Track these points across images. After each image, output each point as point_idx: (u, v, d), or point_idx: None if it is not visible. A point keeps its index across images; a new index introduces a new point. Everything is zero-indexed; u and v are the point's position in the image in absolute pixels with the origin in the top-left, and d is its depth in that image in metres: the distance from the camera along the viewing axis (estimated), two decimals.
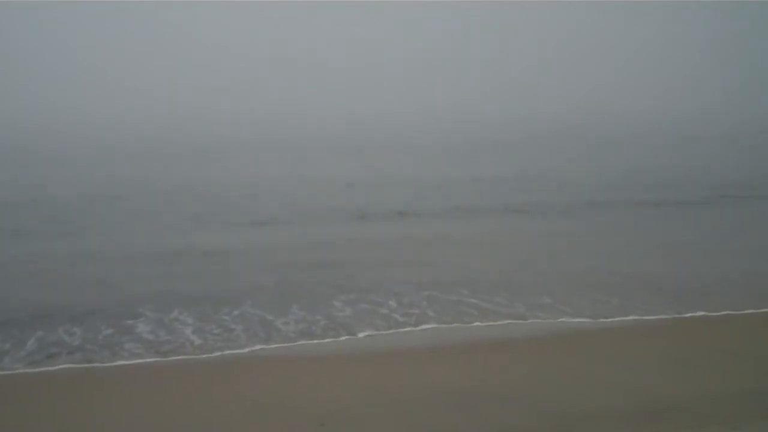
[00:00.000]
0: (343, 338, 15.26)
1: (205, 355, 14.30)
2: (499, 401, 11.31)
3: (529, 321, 16.27)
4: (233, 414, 11.08)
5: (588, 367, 12.91)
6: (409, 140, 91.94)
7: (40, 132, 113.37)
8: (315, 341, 15.08)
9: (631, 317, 16.45)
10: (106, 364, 13.81)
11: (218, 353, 14.36)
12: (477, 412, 10.91)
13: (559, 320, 16.24)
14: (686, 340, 14.67)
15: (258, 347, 14.72)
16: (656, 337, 14.90)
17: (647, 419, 10.50)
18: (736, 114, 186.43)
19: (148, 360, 14.07)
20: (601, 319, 16.28)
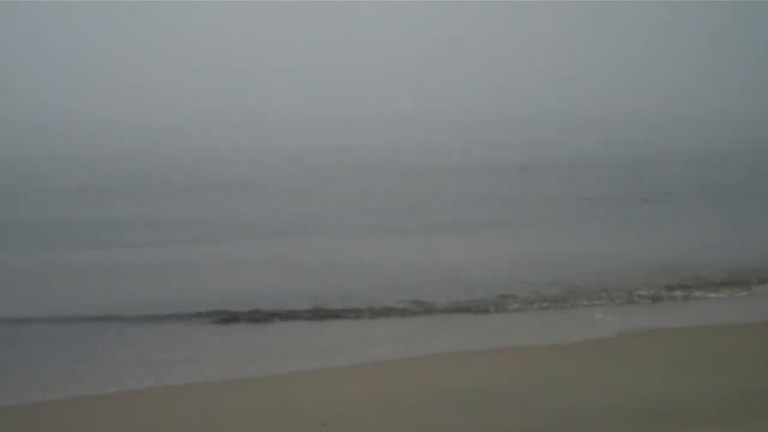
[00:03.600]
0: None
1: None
2: (500, 401, 11.32)
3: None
4: (233, 414, 11.09)
5: (589, 368, 12.93)
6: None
7: (41, 132, 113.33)
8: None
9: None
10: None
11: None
12: (478, 413, 10.92)
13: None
14: (686, 340, 14.70)
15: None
16: (657, 338, 14.92)
17: (647, 419, 10.51)
18: (736, 114, 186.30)
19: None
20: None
